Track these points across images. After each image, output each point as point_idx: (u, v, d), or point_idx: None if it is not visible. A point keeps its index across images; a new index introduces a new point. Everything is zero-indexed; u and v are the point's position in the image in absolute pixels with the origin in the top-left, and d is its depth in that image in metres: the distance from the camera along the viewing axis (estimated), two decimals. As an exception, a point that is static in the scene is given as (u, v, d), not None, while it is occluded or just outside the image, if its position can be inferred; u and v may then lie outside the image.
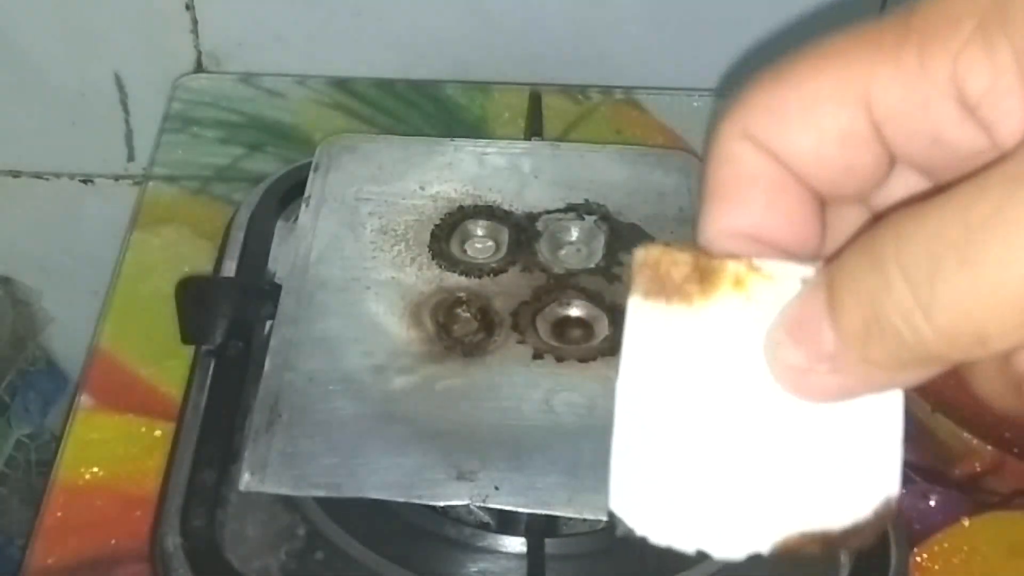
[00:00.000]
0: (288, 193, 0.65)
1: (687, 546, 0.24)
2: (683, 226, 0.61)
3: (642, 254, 0.24)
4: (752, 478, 0.24)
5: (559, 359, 0.53)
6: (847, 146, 0.23)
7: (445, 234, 0.59)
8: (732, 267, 0.24)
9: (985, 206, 0.20)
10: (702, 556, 0.24)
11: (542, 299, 0.57)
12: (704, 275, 0.24)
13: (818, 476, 0.24)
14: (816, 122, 0.23)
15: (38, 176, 0.85)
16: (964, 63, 0.21)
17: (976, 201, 0.20)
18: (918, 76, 0.22)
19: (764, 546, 0.24)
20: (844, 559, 0.52)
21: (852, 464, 0.24)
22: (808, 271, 0.24)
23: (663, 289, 0.24)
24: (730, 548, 0.24)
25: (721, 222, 0.24)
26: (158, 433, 0.56)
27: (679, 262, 0.24)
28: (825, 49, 0.23)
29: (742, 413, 0.24)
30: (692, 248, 0.25)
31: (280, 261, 0.62)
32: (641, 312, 0.24)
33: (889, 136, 0.23)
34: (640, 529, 0.24)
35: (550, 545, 0.51)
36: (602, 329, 0.55)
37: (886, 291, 0.21)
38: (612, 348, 0.53)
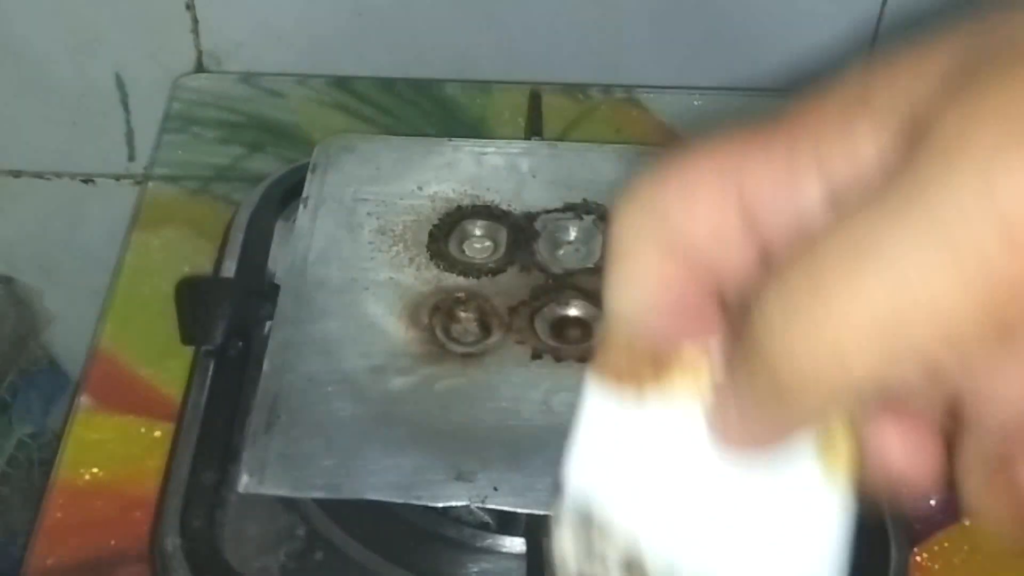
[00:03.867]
0: (288, 193, 0.65)
1: None
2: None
3: (603, 336, 0.25)
4: (689, 566, 0.24)
5: (558, 359, 0.53)
6: (719, 233, 0.23)
7: (443, 234, 0.59)
8: (687, 354, 0.24)
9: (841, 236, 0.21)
10: None
11: (540, 299, 0.57)
12: (659, 359, 0.24)
13: (758, 569, 0.24)
14: (691, 210, 0.24)
15: (39, 176, 0.85)
16: (826, 148, 0.22)
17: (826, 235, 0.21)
18: (786, 163, 0.23)
19: None
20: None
21: (792, 561, 0.24)
22: None
23: (617, 371, 0.25)
24: None
25: (621, 303, 0.25)
26: (158, 434, 0.56)
27: (636, 344, 0.24)
28: (706, 144, 0.24)
29: (685, 501, 0.24)
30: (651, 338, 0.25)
31: (280, 261, 0.62)
32: (595, 395, 0.25)
33: (760, 224, 0.23)
34: None
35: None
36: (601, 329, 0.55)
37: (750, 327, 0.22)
38: (611, 348, 0.53)
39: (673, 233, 0.24)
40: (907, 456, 0.25)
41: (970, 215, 0.19)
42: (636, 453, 0.24)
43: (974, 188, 0.19)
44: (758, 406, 0.23)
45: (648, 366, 0.24)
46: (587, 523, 0.24)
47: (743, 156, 0.23)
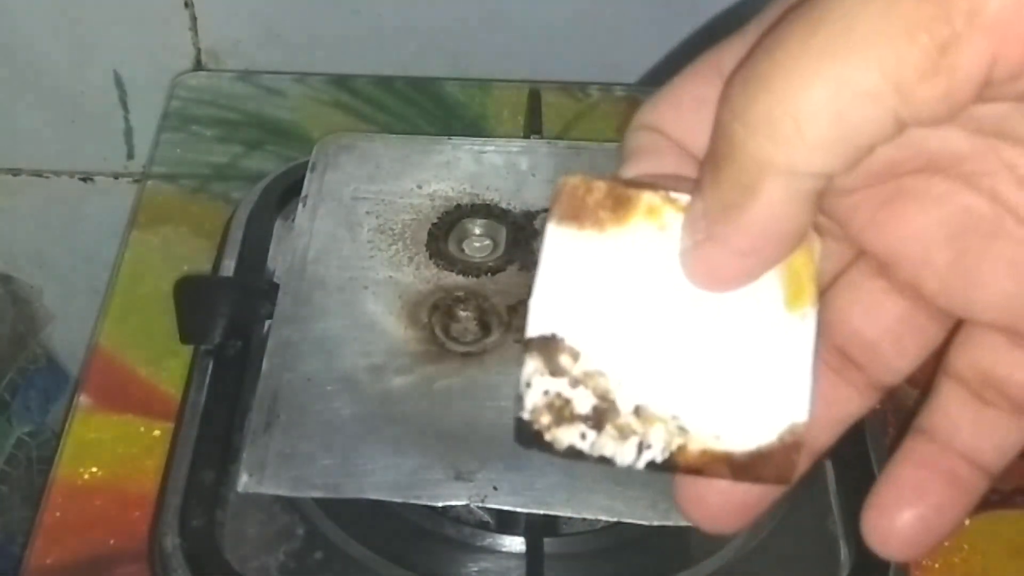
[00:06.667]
0: (287, 192, 0.65)
1: (591, 452, 0.25)
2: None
3: (562, 181, 0.25)
4: (655, 394, 0.25)
5: (557, 358, 0.52)
6: (703, 112, 0.25)
7: (443, 233, 0.59)
8: (647, 197, 0.25)
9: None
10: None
11: (540, 298, 0.57)
12: (618, 203, 0.25)
13: (723, 396, 0.25)
14: (678, 98, 0.26)
15: (38, 174, 0.85)
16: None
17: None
18: (759, 31, 0.24)
19: (659, 456, 0.25)
20: (844, 557, 0.52)
21: (760, 387, 0.25)
22: None
23: (577, 215, 0.25)
24: (628, 456, 0.25)
25: (631, 172, 0.26)
26: (157, 433, 0.56)
27: (595, 189, 0.25)
28: (693, 63, 0.27)
29: (651, 333, 0.25)
30: (612, 179, 0.26)
31: (279, 260, 0.62)
32: (556, 237, 0.25)
33: None
34: (548, 436, 0.25)
35: (549, 544, 0.51)
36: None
37: (722, 130, 0.23)
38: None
39: (668, 143, 0.26)
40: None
41: None
42: (600, 287, 0.25)
43: None
44: (725, 208, 0.23)
45: (608, 211, 0.25)
46: (554, 348, 0.25)
47: (721, 51, 0.26)
